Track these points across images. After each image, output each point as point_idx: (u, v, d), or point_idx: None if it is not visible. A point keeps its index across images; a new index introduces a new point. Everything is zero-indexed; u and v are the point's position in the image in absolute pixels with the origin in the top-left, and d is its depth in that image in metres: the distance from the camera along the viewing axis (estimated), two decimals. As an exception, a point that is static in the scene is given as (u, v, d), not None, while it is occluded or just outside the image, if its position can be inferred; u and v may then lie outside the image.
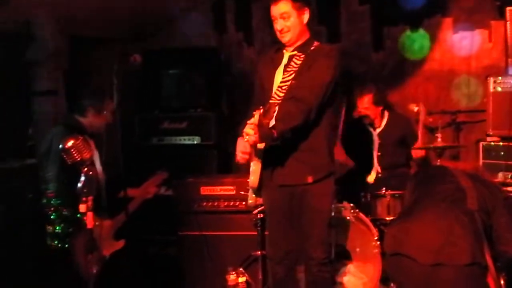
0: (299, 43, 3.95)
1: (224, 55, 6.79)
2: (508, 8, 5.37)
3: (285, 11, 3.84)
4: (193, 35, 6.78)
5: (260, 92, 4.09)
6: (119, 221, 4.73)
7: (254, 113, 3.54)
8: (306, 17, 3.91)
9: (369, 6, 6.41)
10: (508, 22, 5.38)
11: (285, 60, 3.95)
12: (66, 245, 4.33)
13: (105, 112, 4.73)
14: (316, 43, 3.96)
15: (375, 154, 5.78)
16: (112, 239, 4.70)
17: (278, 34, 3.96)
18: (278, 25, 3.90)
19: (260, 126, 3.48)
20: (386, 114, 5.83)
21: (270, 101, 3.78)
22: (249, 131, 3.53)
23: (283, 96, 3.81)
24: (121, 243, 4.73)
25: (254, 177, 3.83)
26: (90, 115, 4.70)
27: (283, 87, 3.83)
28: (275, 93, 3.86)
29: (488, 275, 3.13)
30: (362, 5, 6.43)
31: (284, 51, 4.00)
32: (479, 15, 6.00)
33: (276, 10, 3.87)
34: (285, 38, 3.93)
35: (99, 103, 4.70)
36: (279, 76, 3.91)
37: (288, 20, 3.86)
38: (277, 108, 3.55)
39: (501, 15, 5.61)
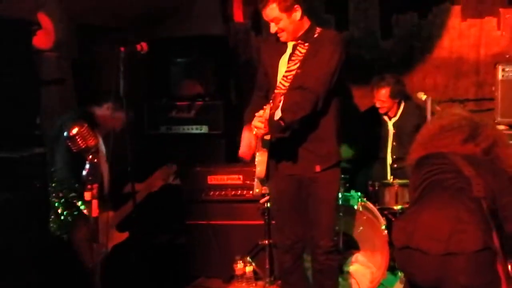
0: (300, 33, 3.87)
1: (232, 44, 6.76)
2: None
3: (274, 17, 3.78)
4: (200, 23, 6.70)
5: (263, 78, 4.08)
6: (122, 213, 4.69)
7: (264, 107, 3.51)
8: (297, 14, 3.79)
9: (377, -6, 6.36)
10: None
11: (289, 49, 3.89)
12: (69, 234, 4.35)
13: (117, 115, 4.56)
14: (318, 30, 3.90)
15: (390, 143, 5.75)
16: (115, 231, 4.66)
17: None
18: (271, 28, 3.85)
19: (270, 119, 3.45)
20: (402, 103, 5.76)
21: (275, 91, 3.72)
22: (258, 124, 3.49)
23: (289, 85, 3.76)
24: (124, 235, 4.69)
25: (260, 167, 3.79)
26: (105, 109, 4.66)
27: (288, 77, 3.79)
28: (280, 82, 3.81)
29: (497, 261, 3.10)
30: (370, -8, 6.39)
31: None
32: (488, 2, 5.95)
33: (265, 16, 3.82)
34: (282, 38, 3.89)
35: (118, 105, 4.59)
36: (283, 65, 3.87)
37: (279, 23, 3.80)
38: (282, 98, 3.51)
39: (510, 3, 5.60)
